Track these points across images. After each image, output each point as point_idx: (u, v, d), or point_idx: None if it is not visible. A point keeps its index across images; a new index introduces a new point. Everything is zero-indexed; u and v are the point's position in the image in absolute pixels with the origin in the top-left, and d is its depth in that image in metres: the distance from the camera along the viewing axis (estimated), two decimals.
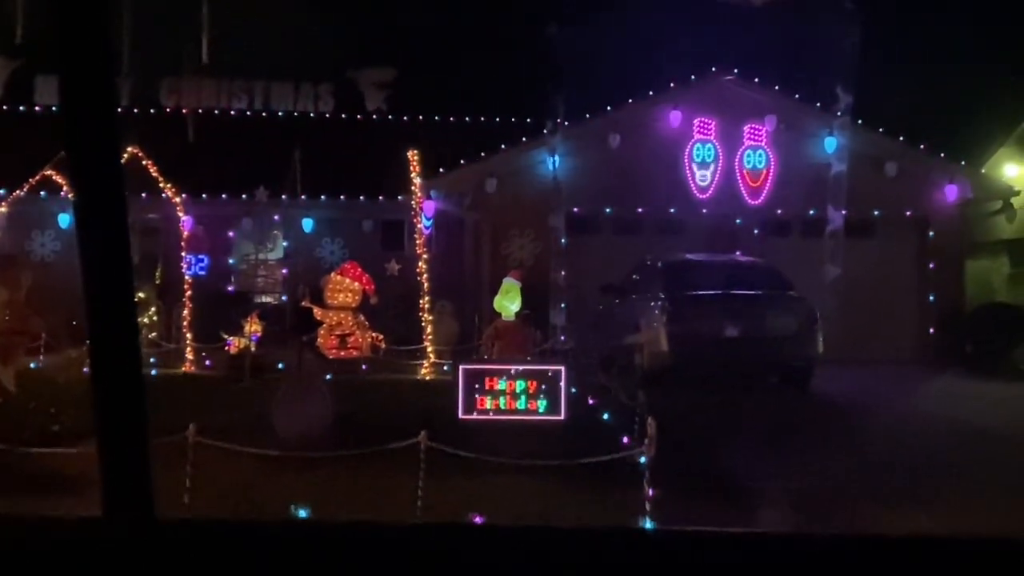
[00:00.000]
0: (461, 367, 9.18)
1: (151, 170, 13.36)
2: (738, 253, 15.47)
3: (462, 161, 17.05)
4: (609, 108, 17.36)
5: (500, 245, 17.21)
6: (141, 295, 14.78)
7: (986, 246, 18.90)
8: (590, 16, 20.41)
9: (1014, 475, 7.34)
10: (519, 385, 8.90)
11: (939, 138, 17.97)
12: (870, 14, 15.92)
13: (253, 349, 12.93)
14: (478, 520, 5.02)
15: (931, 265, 17.56)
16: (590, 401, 10.08)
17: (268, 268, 19.19)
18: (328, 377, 10.75)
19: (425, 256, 13.74)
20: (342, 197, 18.12)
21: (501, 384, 8.90)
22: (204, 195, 17.09)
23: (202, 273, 16.73)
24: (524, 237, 17.23)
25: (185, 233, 14.05)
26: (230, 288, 18.52)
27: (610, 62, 19.04)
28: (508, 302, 11.93)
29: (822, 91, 16.80)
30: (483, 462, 6.46)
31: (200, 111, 20.10)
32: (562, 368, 9.11)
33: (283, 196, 17.00)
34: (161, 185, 13.66)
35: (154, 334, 15.19)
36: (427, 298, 13.75)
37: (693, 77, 17.51)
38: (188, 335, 13.67)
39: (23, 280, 11.06)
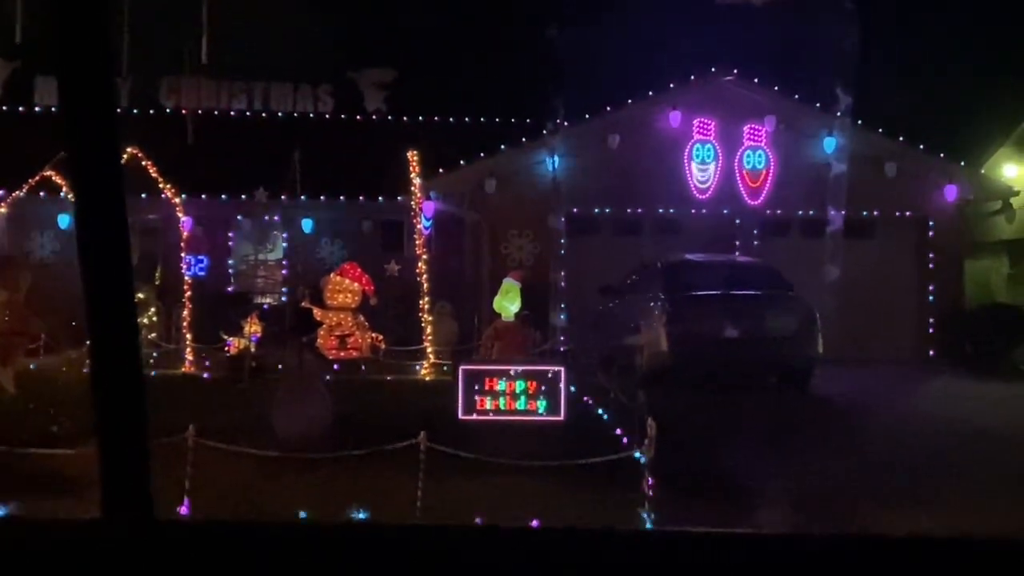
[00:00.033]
0: (461, 367, 9.18)
1: (151, 170, 13.36)
2: (737, 254, 15.48)
3: (462, 162, 17.04)
4: (609, 108, 17.35)
5: (500, 245, 17.21)
6: (140, 296, 14.77)
7: (986, 246, 18.91)
8: (590, 17, 20.43)
9: (1014, 475, 7.34)
10: (519, 386, 8.91)
11: (939, 138, 17.97)
12: (870, 14, 15.93)
13: (253, 350, 12.94)
14: (478, 521, 5.02)
15: (931, 265, 17.57)
16: (589, 401, 10.07)
17: (268, 269, 19.20)
18: (327, 378, 10.74)
19: (425, 257, 13.74)
20: (342, 198, 18.11)
21: (501, 385, 8.90)
22: (203, 196, 17.08)
23: (202, 274, 16.73)
24: (524, 238, 17.23)
25: (185, 234, 14.06)
26: (229, 288, 18.52)
27: (610, 62, 19.04)
28: (508, 303, 11.93)
29: (822, 91, 16.81)
30: (483, 463, 6.46)
31: (199, 111, 20.09)
32: (562, 369, 9.11)
33: (283, 197, 16.99)
34: (161, 186, 13.67)
35: (154, 335, 15.19)
36: (427, 299, 13.75)
37: (692, 77, 17.50)
38: (188, 336, 13.67)
39: (22, 281, 11.06)
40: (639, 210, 17.08)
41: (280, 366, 12.46)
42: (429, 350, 13.43)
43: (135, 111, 19.61)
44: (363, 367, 13.41)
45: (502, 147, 17.33)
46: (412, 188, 13.73)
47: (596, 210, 17.08)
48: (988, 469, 7.62)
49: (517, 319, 12.05)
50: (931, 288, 17.47)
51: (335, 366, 13.16)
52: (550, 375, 9.00)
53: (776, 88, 17.52)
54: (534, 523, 5.05)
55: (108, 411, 1.60)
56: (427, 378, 12.82)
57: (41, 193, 15.24)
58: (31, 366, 12.17)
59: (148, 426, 1.63)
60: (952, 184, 17.49)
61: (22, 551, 1.58)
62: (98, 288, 1.58)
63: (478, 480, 6.43)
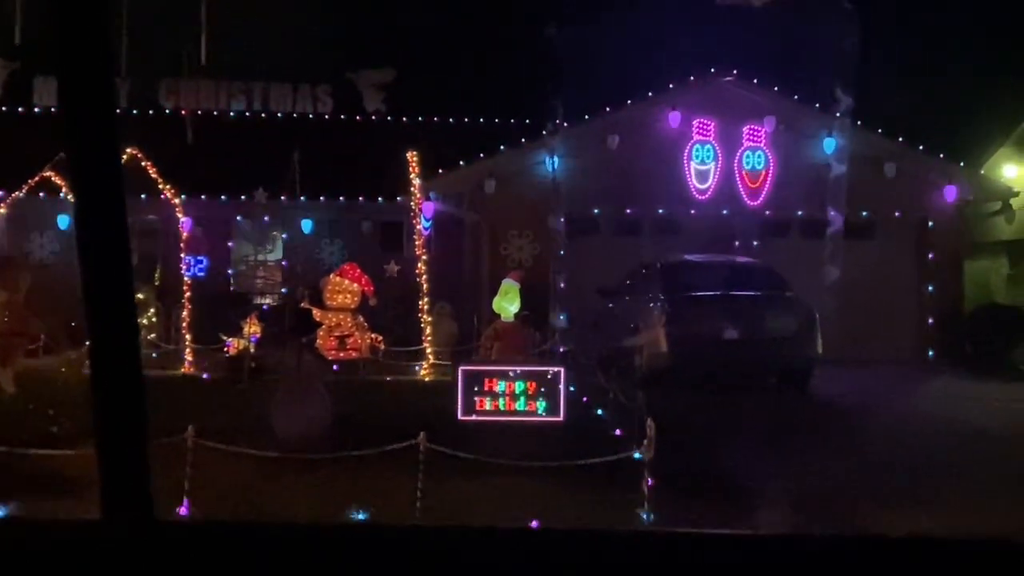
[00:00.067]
0: (460, 368, 9.18)
1: (150, 171, 13.35)
2: (737, 254, 15.47)
3: (461, 162, 17.04)
4: (608, 109, 17.35)
5: (499, 246, 17.21)
6: (140, 296, 14.76)
7: (985, 247, 18.91)
8: (589, 17, 20.42)
9: (1014, 475, 7.35)
10: (518, 386, 8.90)
11: (938, 139, 17.98)
12: (869, 14, 15.93)
13: (252, 350, 12.93)
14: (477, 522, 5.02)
15: (930, 266, 17.57)
16: (588, 402, 10.07)
17: (267, 269, 19.20)
18: (327, 378, 10.74)
19: (424, 257, 13.74)
20: (341, 198, 18.11)
21: (500, 385, 8.90)
22: (203, 196, 17.08)
23: (201, 274, 16.72)
24: (523, 238, 17.23)
25: (184, 234, 14.05)
26: (230, 289, 18.52)
27: (609, 63, 19.03)
28: (507, 303, 11.93)
29: (821, 92, 16.80)
30: (482, 463, 6.46)
31: (199, 112, 20.10)
32: (561, 369, 9.12)
33: (282, 197, 16.98)
34: (160, 186, 13.66)
35: (153, 335, 15.18)
36: (426, 299, 13.75)
37: (692, 78, 17.50)
38: (187, 336, 13.67)
39: (22, 281, 11.06)
40: (638, 210, 17.07)
41: (280, 367, 12.45)
42: (429, 351, 13.43)
43: (134, 112, 19.61)
44: (362, 368, 13.41)
45: (501, 148, 17.33)
46: (411, 189, 13.73)
47: (596, 210, 17.08)
48: (988, 469, 7.62)
49: (517, 320, 12.05)
50: (931, 288, 17.48)
51: (334, 367, 13.15)
52: (549, 376, 9.00)
53: (776, 89, 17.52)
54: (534, 524, 5.05)
55: (108, 412, 1.60)
56: (426, 379, 12.82)
57: (41, 194, 15.24)
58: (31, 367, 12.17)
59: (148, 427, 1.62)
60: (952, 185, 17.49)
61: (22, 551, 1.58)
62: (98, 288, 1.58)
63: (478, 481, 6.42)
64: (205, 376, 12.81)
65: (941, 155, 17.73)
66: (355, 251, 17.80)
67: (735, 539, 1.72)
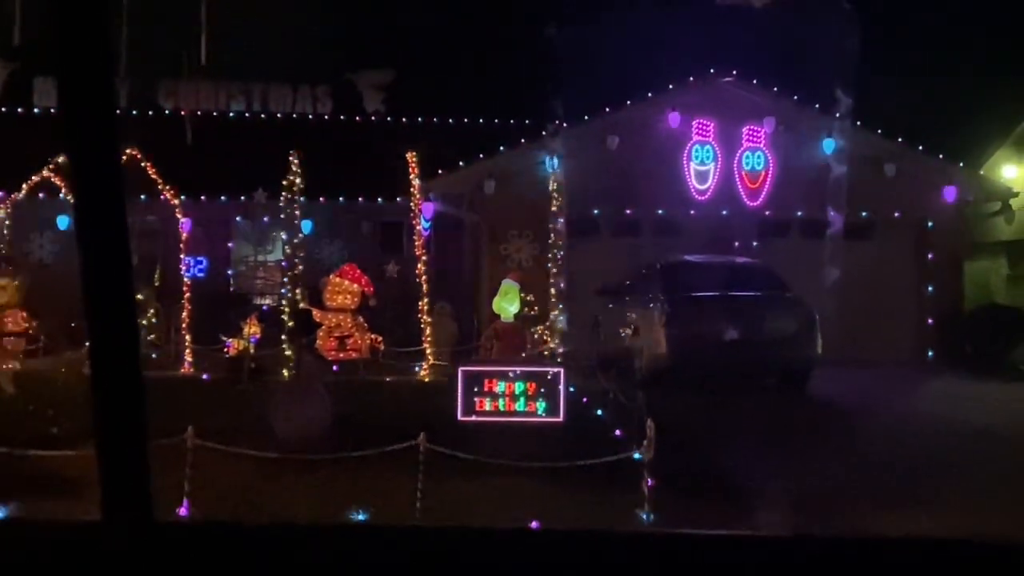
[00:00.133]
0: (460, 369, 9.18)
1: (150, 172, 13.36)
2: (737, 255, 15.47)
3: (461, 163, 17.03)
4: (608, 109, 17.34)
5: (499, 247, 17.20)
6: (140, 297, 14.76)
7: (985, 247, 18.91)
8: (589, 17, 20.43)
9: (1014, 475, 7.35)
10: (518, 387, 8.90)
11: (938, 139, 17.97)
12: (869, 15, 15.94)
13: (252, 351, 12.93)
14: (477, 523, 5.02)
15: (930, 266, 17.57)
16: (588, 402, 10.07)
17: (267, 270, 19.19)
18: (327, 379, 10.74)
19: (424, 258, 13.74)
20: (341, 199, 18.11)
21: (500, 386, 8.90)
22: (203, 197, 17.08)
23: (201, 275, 16.72)
24: (523, 239, 17.22)
25: (184, 235, 14.05)
26: (229, 289, 18.52)
27: (609, 63, 19.04)
28: (507, 304, 11.93)
29: (821, 92, 16.80)
30: (482, 464, 6.46)
31: (198, 113, 20.10)
32: (561, 370, 9.11)
33: (282, 196, 16.95)
34: (160, 187, 13.66)
35: (153, 336, 15.17)
36: (426, 300, 13.74)
37: (692, 78, 17.49)
38: (187, 337, 13.67)
39: (22, 282, 11.07)
40: (638, 211, 17.07)
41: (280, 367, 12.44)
42: (428, 351, 13.42)
43: (134, 112, 19.62)
44: (362, 368, 13.40)
45: (501, 148, 17.32)
46: (411, 189, 13.73)
47: (595, 211, 17.06)
48: (988, 469, 7.62)
49: (516, 320, 12.05)
50: (930, 289, 17.47)
51: (334, 367, 13.15)
52: (549, 376, 9.00)
53: (775, 89, 17.52)
54: (534, 524, 5.05)
55: (108, 412, 1.59)
56: (426, 379, 12.81)
57: (40, 194, 15.24)
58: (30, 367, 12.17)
59: (148, 427, 1.62)
60: (951, 185, 17.49)
61: (22, 552, 1.58)
62: (98, 289, 1.58)
63: (477, 481, 6.42)
64: (205, 377, 12.81)
65: (941, 155, 17.73)
66: (355, 251, 17.80)
67: (735, 539, 1.72)
